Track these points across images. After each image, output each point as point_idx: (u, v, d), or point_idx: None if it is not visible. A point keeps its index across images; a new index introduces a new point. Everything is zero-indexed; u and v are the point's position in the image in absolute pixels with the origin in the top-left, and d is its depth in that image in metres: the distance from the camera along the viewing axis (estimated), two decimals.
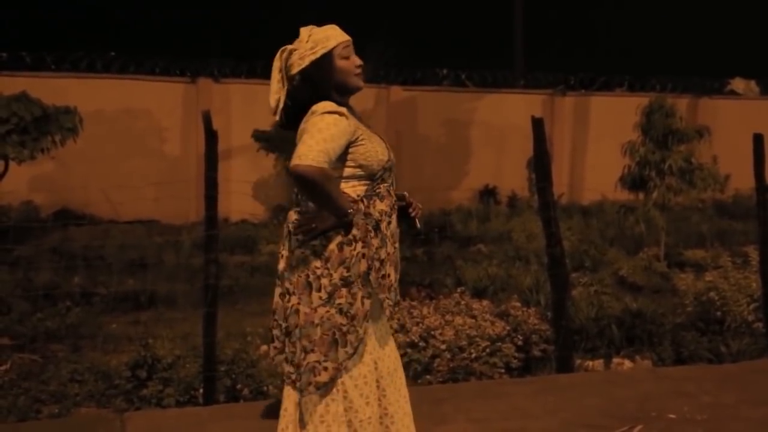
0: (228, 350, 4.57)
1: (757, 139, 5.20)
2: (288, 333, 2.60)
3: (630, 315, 5.59)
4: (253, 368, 4.51)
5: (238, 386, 4.35)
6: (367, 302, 2.54)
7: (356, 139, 2.55)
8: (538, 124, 4.82)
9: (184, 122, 12.97)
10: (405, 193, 2.77)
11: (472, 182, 13.94)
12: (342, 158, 2.54)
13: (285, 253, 2.62)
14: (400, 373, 2.77)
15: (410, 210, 2.78)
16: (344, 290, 2.50)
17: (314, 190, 2.41)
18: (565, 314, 4.77)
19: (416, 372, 4.83)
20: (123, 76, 13.15)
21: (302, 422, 2.59)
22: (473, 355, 4.74)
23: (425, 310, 5.29)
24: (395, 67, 13.94)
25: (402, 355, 5.04)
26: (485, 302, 5.56)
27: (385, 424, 2.69)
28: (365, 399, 2.59)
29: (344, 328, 2.50)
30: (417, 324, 5.14)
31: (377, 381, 2.66)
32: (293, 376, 2.59)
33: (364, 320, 2.54)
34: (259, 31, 18.50)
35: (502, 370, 4.78)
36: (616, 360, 5.20)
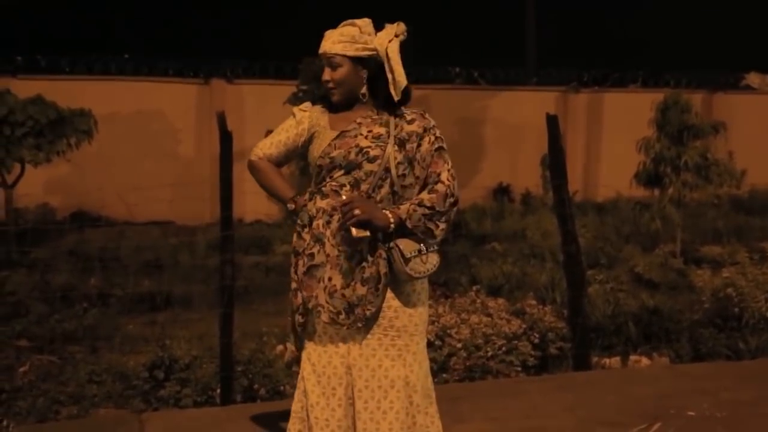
0: (244, 350, 4.58)
1: None
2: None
3: (647, 312, 5.55)
4: (270, 368, 4.52)
5: (255, 386, 4.36)
6: (299, 295, 2.57)
7: (311, 136, 2.67)
8: (552, 122, 4.79)
9: (198, 123, 13.02)
10: (344, 195, 2.53)
11: (485, 180, 13.90)
12: (303, 154, 2.72)
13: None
14: (389, 393, 2.53)
15: (346, 207, 2.46)
16: (305, 279, 2.56)
17: (257, 178, 2.72)
18: (582, 312, 4.75)
19: (432, 371, 4.81)
20: (137, 79, 13.22)
21: None
22: (489, 354, 4.72)
23: (441, 309, 5.27)
24: (407, 65, 13.89)
25: None
26: (501, 300, 5.54)
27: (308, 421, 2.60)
28: (324, 395, 2.55)
29: (291, 318, 2.64)
30: (433, 323, 5.12)
31: (351, 389, 2.55)
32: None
33: (297, 312, 2.59)
34: (271, 32, 18.56)
35: (519, 369, 4.76)
36: (633, 357, 5.17)
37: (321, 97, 2.76)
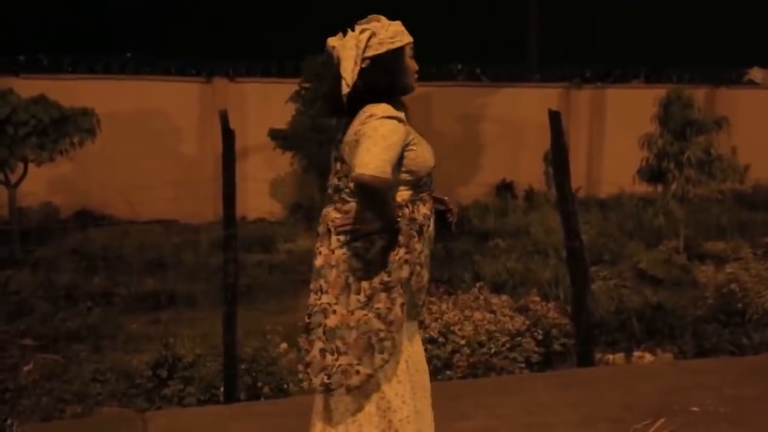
0: (248, 348, 4.59)
1: None
2: (308, 330, 2.54)
3: (650, 308, 5.55)
4: (274, 366, 4.53)
5: (259, 384, 4.37)
6: (405, 308, 2.52)
7: (408, 144, 2.52)
8: (555, 118, 4.79)
9: (201, 122, 13.02)
10: (446, 198, 2.73)
11: (488, 177, 13.89)
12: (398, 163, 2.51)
13: (324, 250, 2.55)
14: (426, 369, 2.76)
15: (449, 215, 2.73)
16: (383, 295, 2.47)
17: (375, 200, 2.40)
18: (585, 308, 4.75)
19: (436, 368, 4.82)
20: (139, 77, 13.22)
21: (333, 421, 2.56)
22: (493, 350, 4.73)
23: (444, 306, 5.28)
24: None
25: None
26: (504, 297, 5.54)
27: (418, 422, 2.66)
28: (401, 399, 2.57)
29: (381, 334, 2.47)
30: (436, 320, 5.13)
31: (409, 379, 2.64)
32: (301, 375, 2.57)
33: (400, 326, 2.51)
34: (273, 30, 18.56)
35: (523, 365, 4.76)
36: (636, 353, 5.17)
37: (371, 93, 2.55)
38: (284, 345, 5.28)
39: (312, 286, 2.56)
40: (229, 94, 13.16)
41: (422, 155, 2.55)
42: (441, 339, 4.92)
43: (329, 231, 2.55)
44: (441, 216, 2.70)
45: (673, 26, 20.63)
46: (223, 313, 4.25)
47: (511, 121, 14.34)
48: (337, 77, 2.50)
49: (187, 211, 11.42)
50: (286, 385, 4.42)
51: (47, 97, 9.29)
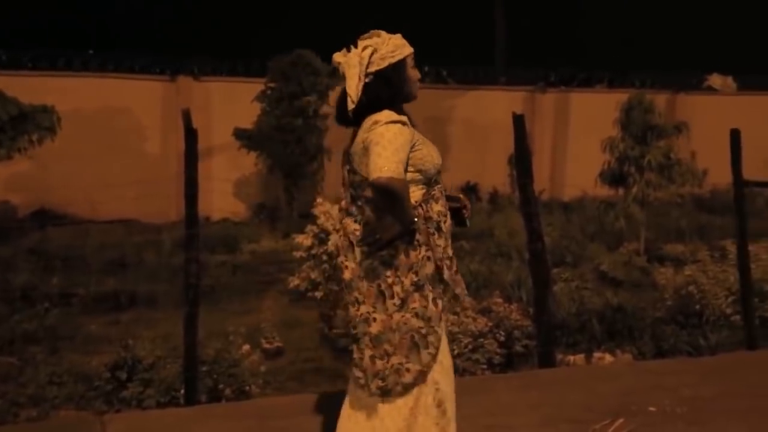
0: (209, 350, 4.54)
1: (734, 134, 5.25)
2: (356, 340, 2.68)
3: (611, 309, 5.62)
4: (236, 368, 4.49)
5: (220, 386, 4.33)
6: (440, 303, 2.68)
7: (414, 145, 2.64)
8: (518, 121, 4.83)
9: (164, 121, 12.86)
10: (461, 195, 2.93)
11: (453, 179, 13.92)
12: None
13: (350, 264, 2.68)
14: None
15: (464, 211, 2.89)
16: (416, 295, 2.63)
17: (395, 201, 2.52)
18: (547, 310, 4.79)
19: None
20: (101, 75, 13.01)
21: (387, 419, 2.68)
22: (456, 352, 4.73)
23: None
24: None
25: None
26: (467, 299, 5.55)
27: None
28: (452, 388, 2.82)
29: (423, 331, 2.63)
30: None
31: None
32: (362, 381, 2.69)
33: (440, 320, 2.68)
34: (239, 30, 18.42)
35: (485, 366, 4.79)
36: (597, 354, 5.22)
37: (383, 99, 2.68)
38: (247, 346, 5.23)
39: (347, 299, 2.71)
40: (193, 93, 13.03)
41: (429, 154, 2.69)
42: None
43: (352, 244, 2.67)
44: (456, 213, 2.85)
45: (637, 32, 20.96)
46: (184, 313, 4.19)
47: (476, 124, 14.44)
48: (344, 92, 2.67)
49: (150, 210, 11.27)
50: (247, 387, 4.39)
51: (5, 93, 9.08)
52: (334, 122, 2.82)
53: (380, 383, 2.63)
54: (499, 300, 5.50)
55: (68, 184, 11.61)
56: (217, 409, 4.05)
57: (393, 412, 2.68)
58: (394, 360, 2.62)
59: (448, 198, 2.80)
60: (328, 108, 11.71)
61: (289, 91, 11.22)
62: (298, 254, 7.19)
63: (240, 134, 11.48)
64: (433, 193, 2.70)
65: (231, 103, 12.41)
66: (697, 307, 5.69)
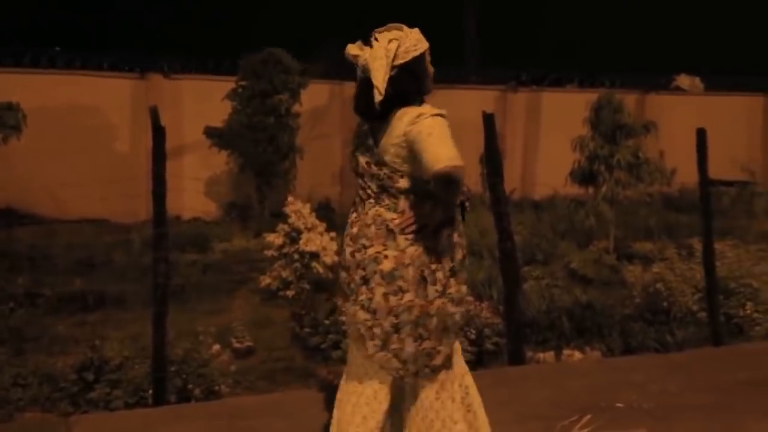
0: (179, 350, 4.50)
1: (700, 134, 5.32)
2: (398, 329, 2.68)
3: (580, 307, 5.69)
4: (205, 368, 4.46)
5: (190, 386, 4.30)
6: (464, 288, 2.82)
7: None
8: (489, 120, 4.86)
9: (134, 119, 12.71)
10: (465, 188, 2.96)
11: None
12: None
13: (391, 252, 2.67)
14: None
15: (467, 203, 2.97)
16: (452, 280, 2.74)
17: (455, 189, 2.61)
18: (517, 308, 4.82)
19: None
20: (69, 72, 12.81)
21: (418, 406, 2.80)
22: None
23: None
24: (349, 63, 13.87)
25: None
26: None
27: None
28: (470, 375, 2.95)
29: (456, 316, 2.76)
30: None
31: None
32: (401, 372, 2.73)
33: (463, 305, 2.81)
34: (210, 27, 18.27)
35: None
36: (566, 351, 5.28)
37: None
38: (217, 346, 5.21)
39: (387, 290, 2.67)
40: (163, 91, 12.89)
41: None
42: None
43: (392, 231, 2.68)
44: (460, 205, 2.93)
45: (607, 33, 21.18)
46: (152, 313, 4.15)
47: (448, 123, 14.48)
48: (366, 85, 2.68)
49: (119, 209, 11.13)
50: (217, 387, 4.36)
51: None
52: (353, 112, 2.84)
53: (414, 368, 2.72)
54: (470, 298, 5.53)
55: (35, 183, 11.43)
56: (186, 409, 4.01)
57: (424, 396, 2.79)
58: (427, 344, 2.69)
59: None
60: (300, 106, 11.67)
61: (260, 89, 11.15)
62: (269, 253, 7.17)
63: (211, 132, 11.38)
64: None
65: (202, 101, 12.30)
66: (665, 304, 5.78)
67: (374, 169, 2.73)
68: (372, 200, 2.74)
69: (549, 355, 5.22)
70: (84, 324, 6.12)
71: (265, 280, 7.07)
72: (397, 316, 2.66)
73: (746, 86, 16.34)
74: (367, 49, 2.72)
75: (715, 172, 5.54)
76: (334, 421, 2.87)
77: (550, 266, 7.63)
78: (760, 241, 8.03)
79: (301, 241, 7.00)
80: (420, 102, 2.75)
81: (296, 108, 11.53)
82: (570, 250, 8.42)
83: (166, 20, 18.86)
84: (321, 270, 7.00)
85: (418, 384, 2.79)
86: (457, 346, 2.91)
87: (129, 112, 12.75)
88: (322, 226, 7.21)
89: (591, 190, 8.83)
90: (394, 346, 2.68)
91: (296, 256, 6.99)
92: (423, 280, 2.67)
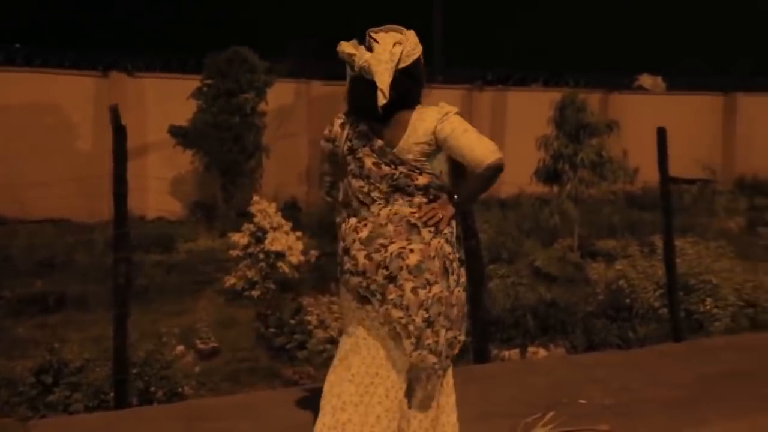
0: (140, 352, 4.44)
1: (661, 132, 5.40)
2: (431, 323, 2.73)
3: (544, 305, 5.74)
4: (168, 369, 4.41)
5: (152, 388, 4.24)
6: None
7: None
8: None
9: (96, 117, 12.51)
10: None
11: None
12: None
13: (416, 246, 2.73)
14: None
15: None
16: (462, 269, 2.87)
17: (496, 180, 2.83)
18: (482, 306, 4.84)
19: None
20: (29, 70, 12.59)
21: (436, 396, 2.91)
22: None
23: None
24: (315, 62, 13.84)
25: (321, 351, 5.05)
26: None
27: None
28: None
29: (465, 305, 2.90)
30: (336, 319, 5.14)
31: None
32: (436, 366, 2.80)
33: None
34: (174, 25, 18.06)
35: None
36: (531, 349, 5.32)
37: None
38: (181, 347, 5.16)
39: (415, 284, 2.71)
40: (127, 90, 12.72)
41: None
42: (340, 338, 4.91)
43: (415, 226, 2.74)
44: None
45: (572, 33, 21.40)
46: (113, 315, 4.09)
47: None
48: (364, 85, 2.71)
49: (82, 209, 10.97)
50: (180, 389, 4.32)
51: None
52: (349, 111, 2.88)
53: (445, 361, 2.83)
54: None
55: None
56: (148, 411, 3.96)
57: (439, 388, 2.92)
58: (450, 334, 2.78)
59: None
60: (266, 105, 11.60)
61: (225, 88, 11.07)
62: (234, 253, 7.12)
63: (175, 131, 11.26)
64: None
65: (166, 100, 12.17)
66: (627, 301, 5.85)
67: (386, 169, 2.76)
68: (380, 201, 2.77)
69: (514, 353, 5.26)
70: (44, 326, 6.02)
71: (230, 280, 7.02)
72: (427, 310, 2.72)
73: (706, 86, 16.65)
74: (362, 48, 2.73)
75: (676, 170, 5.64)
76: (335, 424, 2.78)
77: (516, 264, 7.68)
78: (720, 238, 8.17)
79: (266, 241, 6.96)
80: (419, 102, 2.82)
81: (262, 107, 11.47)
82: (535, 248, 8.49)
83: (130, 18, 18.61)
84: (287, 269, 6.97)
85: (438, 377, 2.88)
86: None
87: (91, 110, 12.56)
88: (287, 226, 7.18)
89: (556, 188, 8.92)
90: (428, 341, 2.74)
91: (261, 256, 6.95)
92: (446, 271, 2.76)
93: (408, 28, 2.87)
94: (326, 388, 2.90)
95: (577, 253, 8.34)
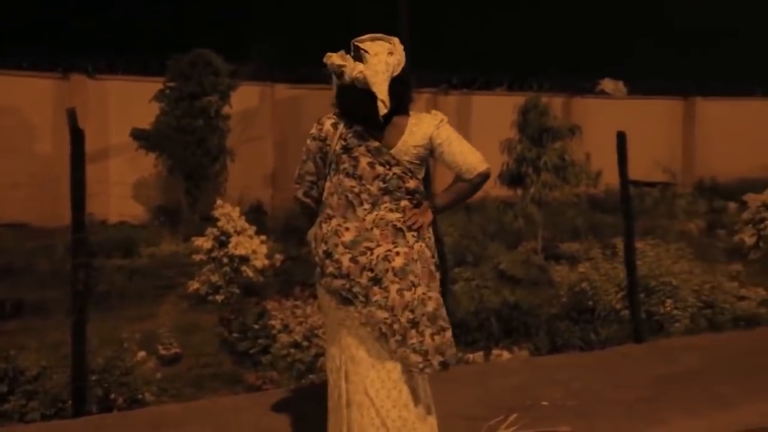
0: (99, 359, 4.36)
1: (620, 136, 5.48)
2: (415, 323, 2.80)
3: (508, 307, 5.75)
4: (128, 376, 4.33)
5: (112, 396, 4.17)
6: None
7: None
8: None
9: (56, 120, 12.29)
10: None
11: None
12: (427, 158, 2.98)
13: (402, 249, 2.83)
14: None
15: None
16: (438, 273, 2.96)
17: (481, 188, 2.97)
18: (446, 309, 4.84)
19: (299, 371, 4.80)
20: None
21: (422, 394, 2.96)
22: None
23: (309, 310, 5.26)
24: (280, 64, 13.79)
25: (285, 356, 5.01)
26: None
27: None
28: None
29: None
30: (300, 323, 5.11)
31: None
32: (421, 365, 2.83)
33: None
34: (136, 26, 17.83)
35: None
36: (495, 352, 5.34)
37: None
38: (142, 353, 5.07)
39: (400, 286, 2.80)
40: (88, 92, 12.54)
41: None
42: (305, 343, 4.91)
43: (400, 230, 2.84)
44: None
45: (536, 38, 21.62)
46: (71, 321, 4.01)
47: None
48: (358, 94, 2.82)
49: (42, 213, 10.76)
50: (141, 395, 4.24)
51: None
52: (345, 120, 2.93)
53: (440, 358, 2.83)
54: None
55: None
56: (107, 419, 3.89)
57: (425, 387, 2.97)
58: (448, 334, 2.87)
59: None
60: (230, 108, 11.52)
61: (189, 91, 10.96)
62: (198, 257, 7.04)
63: (138, 134, 11.11)
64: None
65: (128, 103, 12.02)
66: (590, 303, 5.90)
67: (380, 169, 2.85)
68: (367, 205, 2.85)
69: (478, 356, 5.27)
70: (1, 333, 5.87)
71: (194, 285, 6.94)
72: (412, 311, 2.80)
73: (666, 90, 16.96)
74: (349, 58, 2.84)
75: (638, 173, 5.71)
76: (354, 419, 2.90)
77: (480, 267, 7.71)
78: (680, 240, 8.30)
79: (230, 245, 6.90)
80: (410, 107, 2.95)
81: (226, 110, 11.38)
82: (499, 251, 8.54)
83: (91, 19, 18.31)
84: (251, 274, 6.91)
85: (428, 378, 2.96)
86: None
87: (51, 112, 12.33)
88: (251, 230, 7.13)
89: (519, 191, 8.98)
90: (412, 341, 2.80)
91: (225, 260, 6.88)
92: (430, 273, 2.88)
93: (372, 31, 2.93)
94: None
95: (541, 256, 8.41)
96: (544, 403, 4.02)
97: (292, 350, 4.87)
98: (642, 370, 4.63)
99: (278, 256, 7.48)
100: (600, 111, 15.63)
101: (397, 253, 2.81)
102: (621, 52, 20.70)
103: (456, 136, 2.90)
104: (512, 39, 21.50)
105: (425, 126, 2.89)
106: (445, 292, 4.85)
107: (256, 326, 5.33)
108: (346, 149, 2.88)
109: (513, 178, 8.89)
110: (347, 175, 2.87)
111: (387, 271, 2.79)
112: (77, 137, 4.05)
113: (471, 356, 5.25)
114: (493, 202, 10.99)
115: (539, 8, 21.83)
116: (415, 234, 2.86)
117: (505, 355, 5.32)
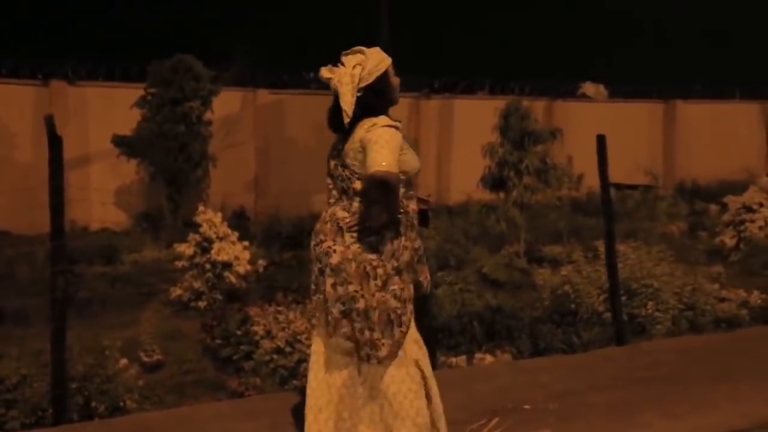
0: (80, 366, 4.32)
1: (600, 140, 5.51)
2: (347, 314, 2.99)
3: (491, 311, 5.77)
4: (109, 383, 4.30)
5: (93, 403, 4.13)
6: (412, 287, 3.07)
7: (401, 148, 3.00)
8: None
9: (35, 127, 12.19)
10: (428, 196, 3.33)
11: None
12: None
13: (339, 248, 3.00)
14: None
15: (429, 212, 3.26)
16: (396, 278, 3.00)
17: (389, 193, 2.85)
18: (429, 313, 4.87)
19: (282, 377, 4.79)
20: None
21: (388, 395, 3.04)
22: None
23: (292, 315, 5.25)
24: (262, 70, 13.76)
25: (268, 361, 5.00)
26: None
27: None
28: (429, 368, 3.21)
29: (398, 311, 3.00)
30: (283, 329, 5.09)
31: None
32: (361, 353, 3.02)
33: (410, 302, 3.05)
34: (117, 32, 17.74)
35: None
36: (478, 355, 5.35)
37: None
38: (124, 360, 5.03)
39: (335, 280, 3.00)
40: (68, 98, 12.44)
41: (411, 159, 3.08)
42: (288, 348, 4.89)
43: (341, 229, 3.02)
44: (422, 213, 3.21)
45: (518, 41, 21.75)
46: (51, 329, 3.98)
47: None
48: (337, 104, 3.01)
49: (22, 221, 10.65)
50: (122, 403, 4.21)
51: None
52: (328, 128, 3.13)
53: (368, 351, 2.99)
54: None
55: None
56: (88, 427, 3.87)
57: (393, 385, 3.03)
58: (374, 335, 2.97)
59: (419, 200, 3.19)
60: (212, 114, 11.48)
61: (170, 97, 10.91)
62: (180, 264, 7.01)
63: (119, 141, 11.05)
64: (410, 192, 3.10)
65: (109, 109, 11.95)
66: (572, 306, 5.92)
67: (339, 170, 3.08)
68: (334, 200, 3.11)
69: (461, 360, 5.28)
70: None
71: (176, 291, 6.90)
72: (344, 304, 2.99)
73: (647, 93, 17.10)
74: (336, 70, 3.04)
75: (620, 176, 5.74)
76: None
77: (463, 271, 7.72)
78: (662, 242, 8.37)
79: (212, 251, 6.87)
80: (384, 114, 3.04)
81: (208, 116, 11.34)
82: (482, 254, 8.55)
83: (71, 25, 18.20)
84: (234, 280, 6.89)
85: (370, 371, 3.04)
86: (417, 337, 3.16)
87: (31, 119, 12.23)
88: (234, 235, 7.10)
89: (502, 195, 9.00)
90: (344, 330, 3.01)
91: (208, 266, 6.85)
92: (366, 275, 2.97)
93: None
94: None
95: (523, 259, 8.44)
96: (526, 406, 4.04)
97: (275, 356, 4.86)
98: (624, 372, 4.66)
99: (261, 262, 7.46)
100: (581, 114, 15.72)
101: (335, 251, 3.00)
102: (602, 55, 20.87)
103: (376, 140, 2.91)
104: (494, 43, 21.63)
105: (362, 130, 3.00)
106: (427, 296, 4.88)
107: (239, 332, 5.31)
108: (329, 153, 3.18)
109: (495, 182, 8.90)
110: (327, 172, 3.17)
111: (326, 265, 3.02)
112: (55, 144, 4.03)
113: (454, 360, 5.26)
114: (475, 205, 11.03)
115: (521, 13, 21.97)
116: (354, 235, 2.99)
117: (488, 358, 5.33)
